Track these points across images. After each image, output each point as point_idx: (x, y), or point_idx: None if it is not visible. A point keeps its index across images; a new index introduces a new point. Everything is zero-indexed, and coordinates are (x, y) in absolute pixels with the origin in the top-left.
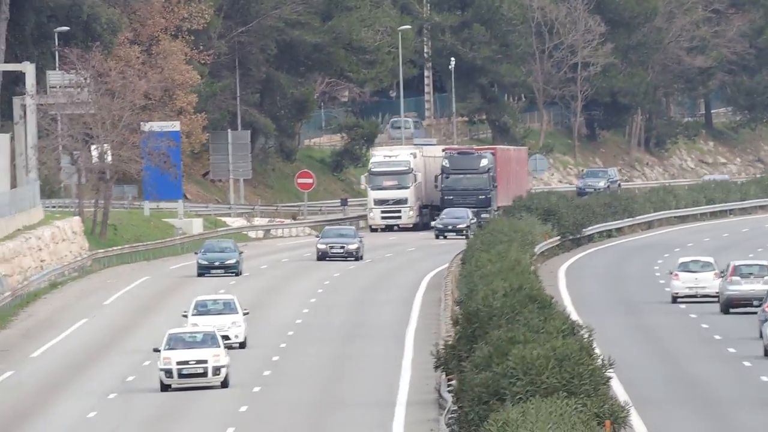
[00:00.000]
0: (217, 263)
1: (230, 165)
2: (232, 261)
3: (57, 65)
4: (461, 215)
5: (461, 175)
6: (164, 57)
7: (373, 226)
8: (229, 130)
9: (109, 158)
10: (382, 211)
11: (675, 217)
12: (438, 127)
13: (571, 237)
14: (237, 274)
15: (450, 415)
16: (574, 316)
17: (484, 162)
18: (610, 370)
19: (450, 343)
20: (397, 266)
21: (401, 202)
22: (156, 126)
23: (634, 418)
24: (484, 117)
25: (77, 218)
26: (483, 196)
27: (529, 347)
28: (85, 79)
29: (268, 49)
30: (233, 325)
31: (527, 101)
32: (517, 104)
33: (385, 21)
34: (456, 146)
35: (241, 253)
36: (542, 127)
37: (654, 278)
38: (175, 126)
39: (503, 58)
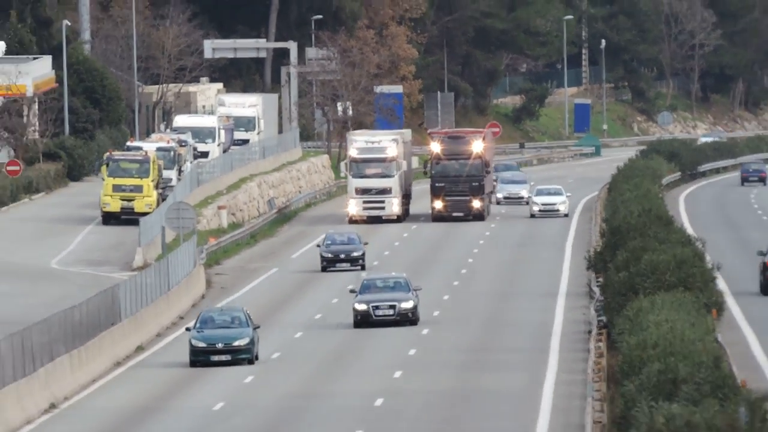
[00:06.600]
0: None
1: (439, 118)
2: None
3: (313, 43)
4: (352, 237)
5: (453, 161)
6: (391, 38)
7: (353, 218)
8: (438, 92)
9: (350, 112)
10: (364, 202)
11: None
12: (592, 90)
13: (688, 173)
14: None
15: (597, 304)
16: (690, 231)
17: (476, 146)
18: (717, 272)
19: (598, 250)
20: None
21: (385, 191)
22: (385, 89)
23: (733, 307)
24: (626, 84)
25: (326, 156)
26: (477, 183)
27: (656, 254)
28: (334, 54)
29: (468, 33)
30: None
31: (658, 72)
32: (650, 74)
33: (554, 12)
34: (444, 130)
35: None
36: (668, 92)
37: (749, 204)
38: (398, 89)
39: (640, 40)
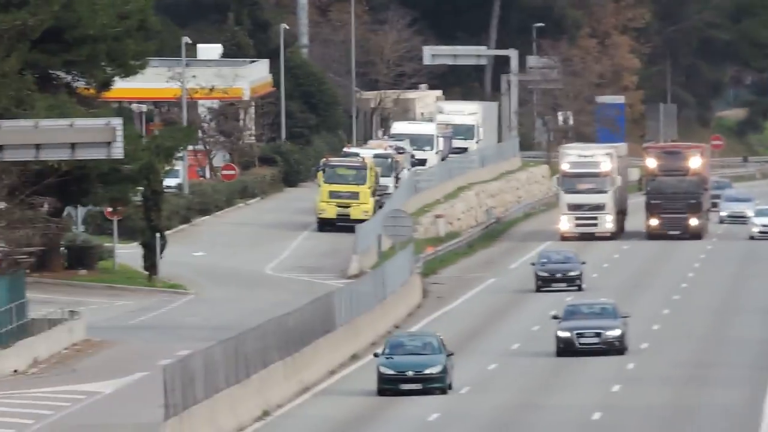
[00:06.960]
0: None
1: (661, 129)
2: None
3: (534, 51)
4: (569, 257)
5: (670, 177)
6: (614, 47)
7: (564, 235)
8: (660, 104)
9: (571, 122)
10: (577, 218)
11: None
12: None
13: None
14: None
15: None
16: None
17: (694, 162)
18: None
19: None
20: None
21: (599, 208)
22: (606, 99)
23: None
24: None
25: (546, 166)
26: (694, 201)
27: None
28: (555, 62)
29: (692, 44)
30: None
31: None
32: None
33: None
34: (660, 144)
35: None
36: None
37: None
38: (620, 99)
39: None
